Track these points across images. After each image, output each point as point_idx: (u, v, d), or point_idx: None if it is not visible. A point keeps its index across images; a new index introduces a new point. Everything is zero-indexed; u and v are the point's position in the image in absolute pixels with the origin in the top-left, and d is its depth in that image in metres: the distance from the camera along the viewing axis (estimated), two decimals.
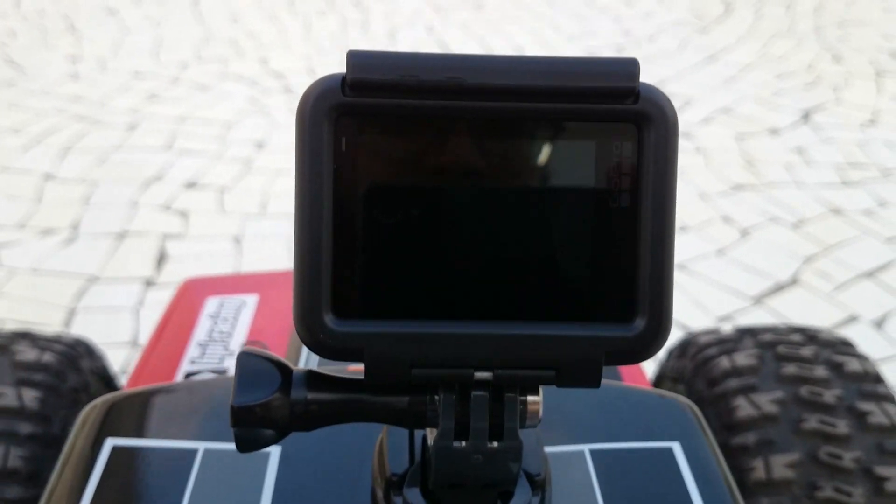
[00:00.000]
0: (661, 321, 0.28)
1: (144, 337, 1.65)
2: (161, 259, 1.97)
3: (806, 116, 2.75)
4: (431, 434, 0.31)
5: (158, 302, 1.75)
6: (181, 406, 0.52)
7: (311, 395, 0.31)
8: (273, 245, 2.02)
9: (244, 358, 0.31)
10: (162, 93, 2.80)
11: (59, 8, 3.55)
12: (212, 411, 0.51)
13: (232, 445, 0.48)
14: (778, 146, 2.56)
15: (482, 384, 0.29)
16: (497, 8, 3.66)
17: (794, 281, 1.97)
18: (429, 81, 0.26)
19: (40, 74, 2.93)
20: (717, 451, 0.52)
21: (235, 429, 0.31)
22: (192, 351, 0.87)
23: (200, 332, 0.90)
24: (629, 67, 0.27)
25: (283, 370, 0.31)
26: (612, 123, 0.27)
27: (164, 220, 2.11)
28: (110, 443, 0.46)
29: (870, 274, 2.00)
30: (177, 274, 1.88)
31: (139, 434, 0.48)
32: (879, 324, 1.84)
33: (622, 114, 0.27)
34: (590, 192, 0.27)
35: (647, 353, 0.28)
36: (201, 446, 0.49)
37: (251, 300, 0.96)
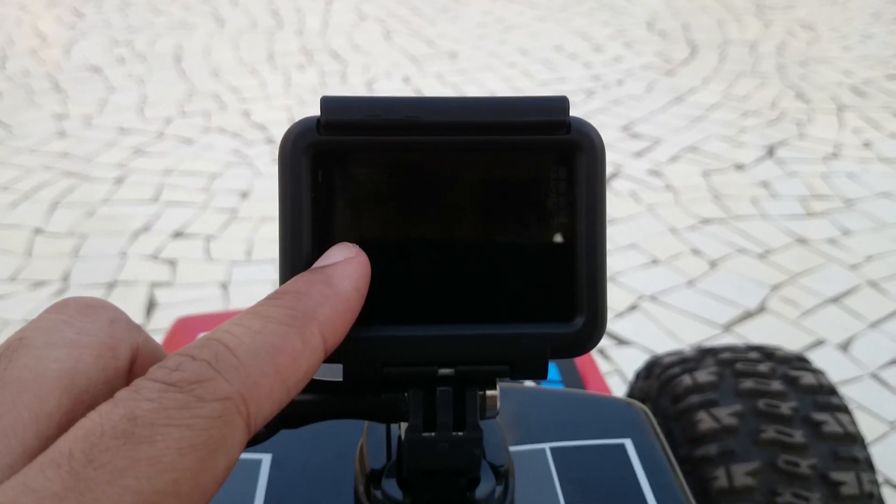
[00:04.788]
0: (597, 318, 0.31)
1: None
2: (150, 307, 2.02)
3: (770, 152, 2.85)
4: (404, 429, 0.33)
5: None
6: None
7: (296, 396, 0.36)
8: (259, 290, 2.08)
9: None
10: (147, 147, 2.86)
11: (44, 68, 3.62)
12: None
13: None
14: (744, 181, 2.65)
15: (446, 380, 0.31)
16: (470, 57, 3.76)
17: (762, 308, 2.03)
18: (390, 120, 0.29)
19: (27, 133, 2.99)
20: (666, 446, 0.56)
21: None
22: None
23: None
24: (561, 104, 0.30)
25: None
26: (548, 152, 0.30)
27: (153, 269, 2.16)
28: None
29: (835, 300, 2.07)
30: (166, 320, 1.92)
31: None
32: (845, 347, 1.91)
33: (556, 144, 0.30)
34: (534, 211, 0.30)
35: (587, 347, 0.31)
36: None
37: None
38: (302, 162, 0.29)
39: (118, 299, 2.03)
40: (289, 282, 0.26)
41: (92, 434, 0.20)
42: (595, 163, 0.30)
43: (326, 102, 0.29)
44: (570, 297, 0.31)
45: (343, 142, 0.30)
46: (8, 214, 2.45)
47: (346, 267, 0.27)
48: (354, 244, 0.28)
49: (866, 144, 2.92)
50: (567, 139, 0.30)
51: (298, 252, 0.30)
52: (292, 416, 0.34)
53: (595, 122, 3.03)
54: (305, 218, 0.30)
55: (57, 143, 2.91)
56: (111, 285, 2.09)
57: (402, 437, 0.34)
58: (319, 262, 0.27)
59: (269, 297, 0.25)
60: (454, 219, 0.30)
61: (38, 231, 2.35)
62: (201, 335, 0.23)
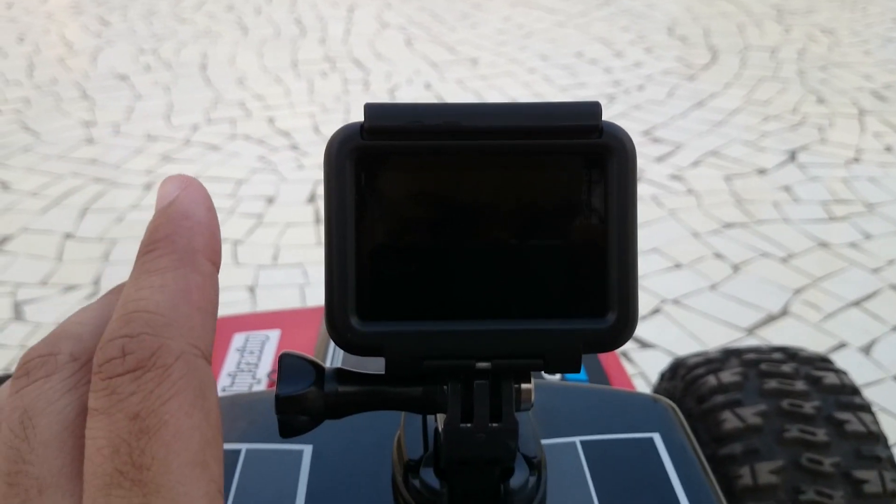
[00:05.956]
0: (628, 315, 0.32)
1: None
2: None
3: (792, 156, 2.85)
4: (441, 420, 0.35)
5: None
6: (223, 415, 0.59)
7: (340, 388, 0.34)
8: (285, 293, 2.11)
9: (285, 357, 0.35)
10: (175, 154, 2.90)
11: (71, 76, 3.67)
12: (251, 418, 0.54)
13: (271, 446, 0.55)
14: (766, 185, 2.65)
15: (483, 373, 0.33)
16: (491, 63, 3.79)
17: (784, 312, 2.04)
18: (430, 125, 0.30)
19: (56, 139, 3.04)
20: (693, 440, 0.57)
21: (279, 416, 0.34)
22: (223, 380, 0.96)
23: (230, 363, 0.99)
24: (593, 108, 0.31)
25: (318, 367, 0.35)
26: (581, 155, 0.31)
27: None
28: None
29: (857, 303, 2.08)
30: None
31: None
32: (867, 350, 1.91)
33: (589, 147, 0.31)
34: (567, 212, 0.32)
35: (618, 343, 0.32)
36: (244, 447, 0.53)
37: (274, 335, 1.04)
38: (346, 165, 0.31)
39: None
40: (150, 231, 0.27)
41: (119, 447, 0.22)
42: (626, 165, 0.32)
43: (370, 109, 0.31)
44: (602, 294, 0.32)
45: (385, 146, 0.31)
46: (38, 219, 2.49)
47: (188, 196, 0.28)
48: (180, 174, 0.29)
49: (887, 148, 2.91)
50: (599, 143, 0.31)
51: (343, 250, 0.31)
52: (336, 406, 0.35)
53: None
54: (350, 218, 0.31)
55: (85, 149, 2.96)
56: None
57: (440, 427, 0.35)
58: (161, 203, 0.28)
59: (147, 252, 0.26)
60: (491, 219, 0.32)
61: (68, 236, 2.40)
62: (120, 312, 0.25)
